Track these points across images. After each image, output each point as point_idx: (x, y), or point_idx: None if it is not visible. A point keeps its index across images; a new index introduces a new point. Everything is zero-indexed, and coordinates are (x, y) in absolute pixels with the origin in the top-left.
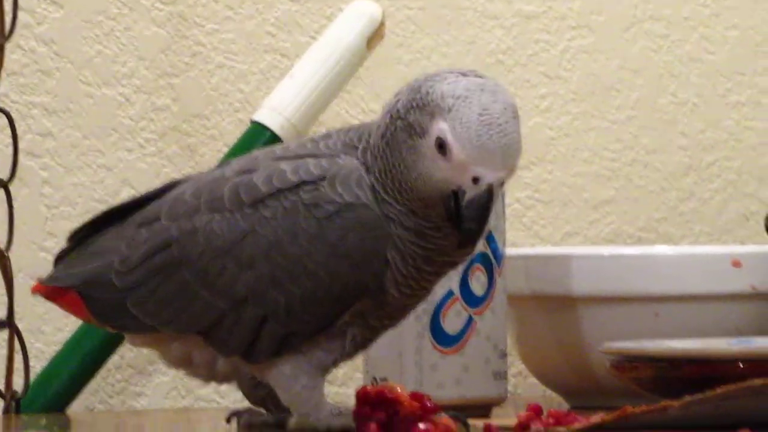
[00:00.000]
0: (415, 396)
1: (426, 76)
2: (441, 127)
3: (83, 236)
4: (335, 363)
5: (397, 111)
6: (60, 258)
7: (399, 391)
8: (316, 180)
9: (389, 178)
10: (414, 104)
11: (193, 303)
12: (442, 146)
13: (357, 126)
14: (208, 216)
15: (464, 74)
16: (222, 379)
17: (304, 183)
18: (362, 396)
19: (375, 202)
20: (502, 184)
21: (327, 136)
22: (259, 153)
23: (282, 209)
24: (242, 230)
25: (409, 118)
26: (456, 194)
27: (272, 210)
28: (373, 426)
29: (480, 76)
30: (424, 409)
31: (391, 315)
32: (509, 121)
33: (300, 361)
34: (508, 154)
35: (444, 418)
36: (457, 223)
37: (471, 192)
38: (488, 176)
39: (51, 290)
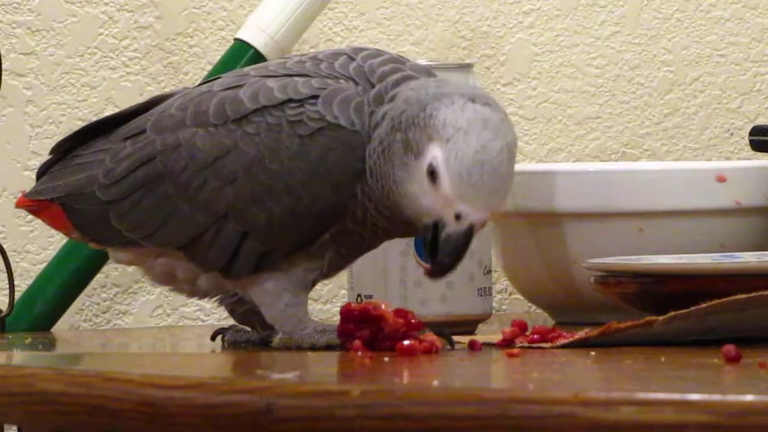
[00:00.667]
0: (400, 313)
1: (435, 94)
2: (435, 155)
3: (67, 149)
4: (314, 283)
5: (400, 123)
6: (43, 171)
7: (383, 308)
8: (304, 98)
9: (379, 182)
10: (416, 122)
11: (174, 217)
12: (432, 174)
13: (379, 56)
14: (192, 130)
15: (473, 100)
16: (204, 295)
17: (290, 101)
18: (346, 313)
19: (369, 133)
20: (483, 224)
21: (335, 55)
22: (250, 68)
23: (265, 125)
24: (225, 145)
25: (408, 135)
26: (436, 226)
27: (255, 126)
28: (357, 343)
29: (488, 104)
30: (409, 325)
31: (358, 244)
32: (503, 162)
33: (281, 278)
34: (495, 197)
35: (428, 335)
36: (432, 253)
37: (451, 227)
38: (472, 215)
39: (34, 203)
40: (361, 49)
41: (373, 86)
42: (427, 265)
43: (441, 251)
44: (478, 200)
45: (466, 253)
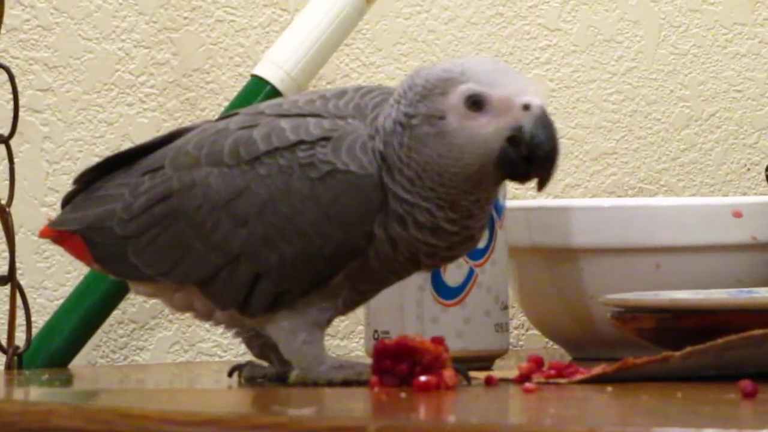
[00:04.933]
0: (436, 341)
1: (414, 72)
2: (464, 88)
3: (90, 179)
4: (329, 321)
5: (405, 115)
6: (67, 201)
7: (418, 340)
8: (315, 140)
9: (419, 179)
10: (419, 96)
11: (189, 255)
12: (476, 102)
13: (374, 90)
14: (207, 169)
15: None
16: (224, 326)
17: (301, 142)
18: (381, 350)
19: (380, 171)
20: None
21: (340, 94)
22: (265, 106)
23: (277, 168)
24: (238, 186)
25: (422, 110)
26: (513, 139)
27: (267, 168)
28: (374, 379)
29: None
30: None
31: (378, 281)
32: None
33: (296, 317)
34: (533, 82)
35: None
36: (528, 163)
37: (529, 120)
38: (534, 100)
39: (57, 233)
40: (363, 87)
41: (368, 125)
42: (531, 182)
43: (537, 146)
44: (527, 87)
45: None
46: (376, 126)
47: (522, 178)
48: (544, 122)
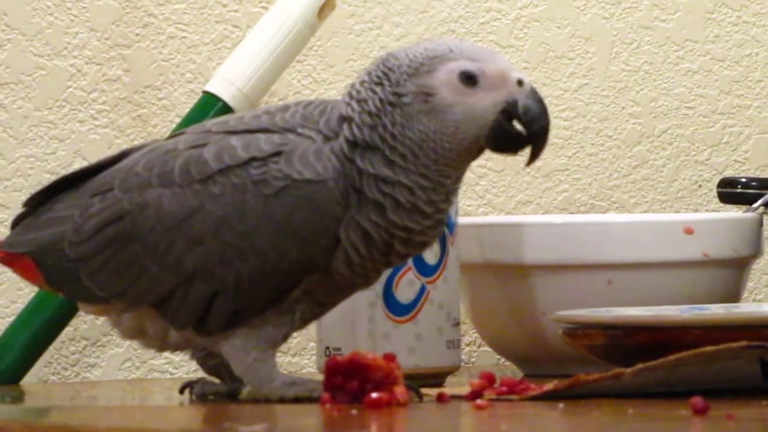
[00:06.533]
0: (388, 357)
1: (384, 56)
2: (457, 65)
3: (39, 202)
4: (285, 337)
5: (394, 94)
6: (16, 223)
7: (370, 357)
8: (267, 156)
9: (414, 157)
10: (406, 75)
11: (143, 276)
12: (470, 77)
13: (313, 102)
14: (159, 190)
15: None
16: (174, 348)
17: (253, 159)
18: (333, 366)
19: (341, 175)
20: None
21: (284, 108)
22: (212, 124)
23: (230, 186)
24: (191, 206)
25: (411, 89)
26: (506, 112)
27: (221, 186)
28: (326, 396)
29: None
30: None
31: (339, 291)
32: None
33: (250, 335)
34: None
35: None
36: (522, 135)
37: (523, 95)
38: (524, 77)
39: (6, 255)
40: (302, 101)
41: (320, 128)
42: (522, 155)
43: (532, 120)
44: (513, 66)
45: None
46: (332, 125)
47: (512, 151)
48: (537, 97)
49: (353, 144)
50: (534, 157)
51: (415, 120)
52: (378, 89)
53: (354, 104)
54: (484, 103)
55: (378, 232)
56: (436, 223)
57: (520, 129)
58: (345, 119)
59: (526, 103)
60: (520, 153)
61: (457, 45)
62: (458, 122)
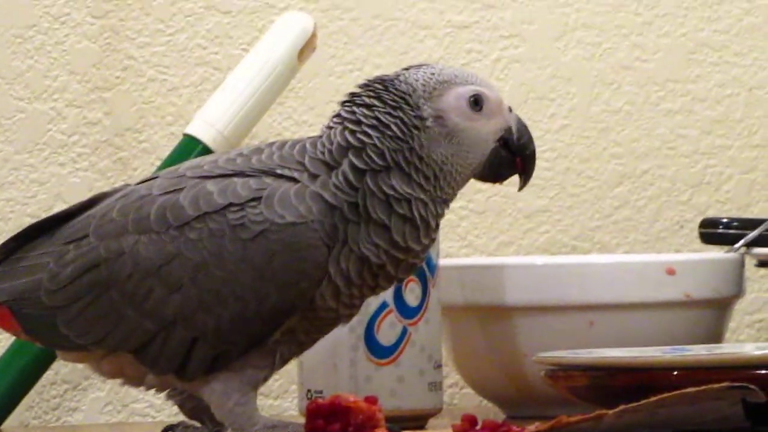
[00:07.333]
0: (369, 400)
1: (382, 78)
2: (467, 90)
3: (13, 249)
4: (265, 379)
5: (416, 117)
6: None
7: (351, 399)
8: (245, 202)
9: (435, 179)
10: (423, 99)
11: (122, 323)
12: (477, 101)
13: (287, 142)
14: (135, 237)
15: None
16: (157, 391)
17: (231, 205)
18: (314, 409)
19: (326, 212)
20: None
21: (258, 150)
22: (185, 168)
23: (208, 231)
24: (169, 252)
25: (428, 112)
26: (503, 138)
27: (198, 232)
28: None
29: None
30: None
31: (321, 328)
32: None
33: (231, 379)
34: None
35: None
36: (514, 162)
37: (513, 121)
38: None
39: None
40: (274, 142)
41: (303, 166)
42: (515, 176)
43: (524, 145)
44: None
45: None
46: (327, 159)
47: (502, 178)
48: (524, 123)
49: (360, 171)
50: (526, 181)
51: (435, 143)
52: (399, 113)
53: (364, 130)
54: (488, 128)
55: (378, 254)
56: (429, 244)
57: (510, 155)
58: (350, 148)
59: (518, 128)
60: (506, 181)
61: (456, 70)
62: (469, 148)
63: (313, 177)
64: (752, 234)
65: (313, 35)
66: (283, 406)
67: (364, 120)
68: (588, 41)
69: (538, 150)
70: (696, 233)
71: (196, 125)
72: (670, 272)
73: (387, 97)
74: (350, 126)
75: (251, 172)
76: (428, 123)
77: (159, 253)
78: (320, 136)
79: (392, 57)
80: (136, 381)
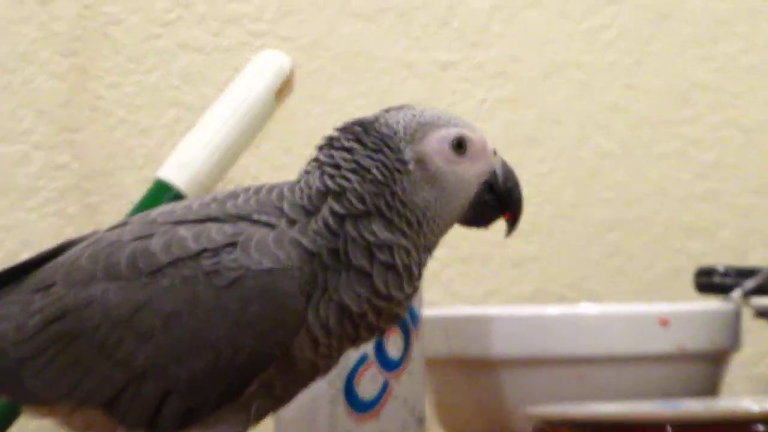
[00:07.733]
0: None
1: (364, 120)
2: (450, 132)
3: None
4: None
5: (398, 160)
6: None
7: None
8: (219, 247)
9: (418, 225)
10: (404, 142)
11: (90, 376)
12: (461, 144)
13: (263, 186)
14: (105, 285)
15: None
16: None
17: (205, 250)
18: None
19: (305, 258)
20: None
21: (233, 195)
22: (157, 214)
23: (180, 278)
24: (140, 300)
25: (409, 155)
26: (487, 182)
27: (170, 279)
28: None
29: None
30: None
31: (298, 382)
32: None
33: None
34: None
35: None
36: (502, 204)
37: (499, 166)
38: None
39: None
40: (250, 186)
41: (281, 212)
42: (503, 220)
43: (511, 189)
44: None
45: None
46: (306, 204)
47: (486, 223)
48: (510, 166)
49: (340, 216)
50: (513, 226)
51: (417, 187)
52: (380, 157)
53: (343, 174)
54: (472, 172)
55: (359, 303)
56: (413, 292)
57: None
58: (329, 193)
59: (503, 171)
60: (491, 227)
61: (438, 112)
62: (452, 192)
63: (292, 223)
64: (750, 283)
65: (291, 74)
66: None
67: (343, 164)
68: (577, 80)
69: (525, 194)
70: (690, 282)
71: (168, 169)
72: (664, 323)
73: (367, 139)
74: (329, 170)
75: (226, 218)
76: (410, 166)
77: (129, 301)
78: (298, 181)
79: (374, 97)
80: None
